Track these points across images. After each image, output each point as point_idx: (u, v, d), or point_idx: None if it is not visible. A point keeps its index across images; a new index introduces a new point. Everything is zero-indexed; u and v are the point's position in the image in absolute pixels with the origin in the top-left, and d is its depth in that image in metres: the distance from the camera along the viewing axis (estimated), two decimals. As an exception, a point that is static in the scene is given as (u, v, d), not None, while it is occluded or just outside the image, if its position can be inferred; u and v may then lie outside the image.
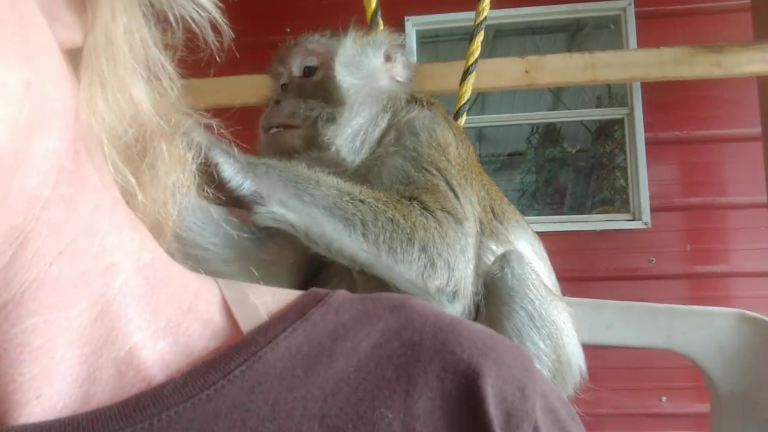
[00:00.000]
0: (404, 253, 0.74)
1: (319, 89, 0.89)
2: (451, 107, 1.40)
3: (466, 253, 0.80)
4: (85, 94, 0.33)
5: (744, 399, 1.23)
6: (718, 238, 2.93)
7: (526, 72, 1.72)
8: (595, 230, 3.02)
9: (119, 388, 0.33)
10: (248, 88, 1.49)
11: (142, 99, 0.36)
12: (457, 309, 0.80)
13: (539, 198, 4.53)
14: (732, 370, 1.24)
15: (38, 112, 0.29)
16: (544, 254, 0.97)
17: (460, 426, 0.33)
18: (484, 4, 1.44)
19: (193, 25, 0.37)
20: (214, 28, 0.38)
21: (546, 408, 0.35)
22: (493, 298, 0.82)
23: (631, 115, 3.05)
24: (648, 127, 2.99)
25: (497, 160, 4.64)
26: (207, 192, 0.43)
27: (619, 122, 3.30)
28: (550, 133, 4.45)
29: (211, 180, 0.70)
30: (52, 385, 0.32)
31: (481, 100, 3.97)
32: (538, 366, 0.79)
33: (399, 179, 0.83)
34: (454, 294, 0.77)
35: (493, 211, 0.91)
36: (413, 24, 3.11)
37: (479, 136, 4.54)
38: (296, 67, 0.92)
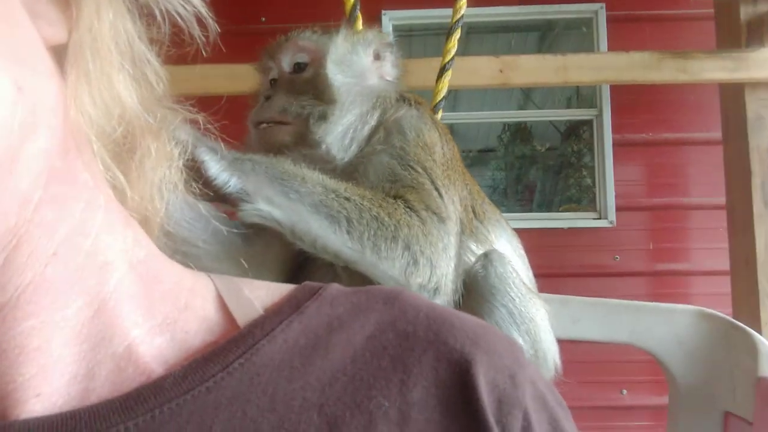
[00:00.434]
0: (388, 250, 0.75)
1: (309, 86, 0.89)
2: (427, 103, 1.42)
3: (448, 251, 0.81)
4: (71, 92, 0.33)
5: (701, 392, 1.29)
6: (679, 237, 3.03)
7: (501, 71, 1.74)
8: (562, 228, 3.09)
9: (119, 383, 0.34)
10: (224, 77, 1.47)
11: (128, 95, 0.36)
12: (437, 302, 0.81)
13: (509, 195, 4.59)
14: (690, 364, 1.29)
15: (30, 114, 0.29)
16: (522, 252, 0.99)
17: (454, 412, 0.34)
18: (461, 2, 1.45)
19: (179, 20, 0.36)
20: (199, 21, 0.38)
21: (535, 395, 0.36)
22: (475, 295, 0.84)
23: (599, 116, 3.12)
24: (615, 128, 3.07)
25: (468, 156, 4.68)
26: (194, 188, 0.42)
27: (588, 123, 3.37)
28: (521, 132, 4.51)
29: (198, 176, 0.70)
30: (51, 384, 0.32)
31: (454, 97, 4.00)
32: None
33: (385, 177, 0.84)
34: (435, 290, 0.79)
35: (474, 211, 0.92)
36: (390, 18, 3.12)
37: (451, 132, 4.57)
38: (286, 63, 0.92)
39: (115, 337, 0.34)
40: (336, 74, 0.88)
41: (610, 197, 3.04)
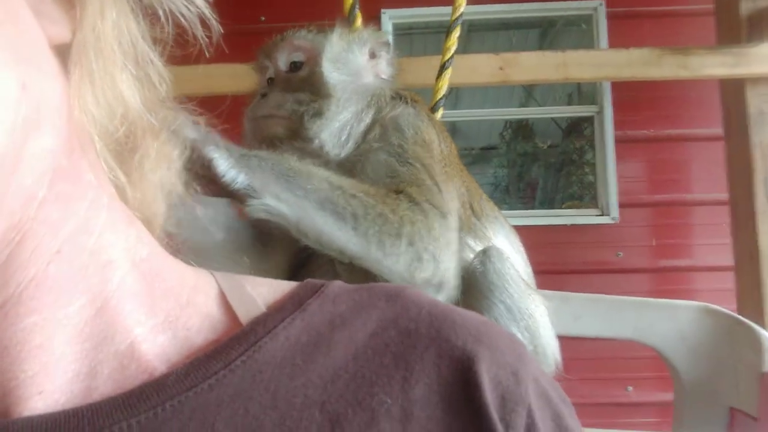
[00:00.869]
0: (392, 246, 0.76)
1: (305, 84, 0.90)
2: (427, 101, 1.42)
3: (451, 246, 0.81)
4: (75, 91, 0.33)
5: (706, 388, 1.29)
6: (682, 233, 3.03)
7: (501, 69, 1.74)
8: (564, 225, 3.09)
9: (121, 381, 0.34)
10: (223, 77, 1.47)
11: (131, 95, 0.36)
12: (440, 300, 0.81)
13: (511, 192, 4.59)
14: (694, 360, 1.29)
15: (34, 112, 0.29)
16: (521, 248, 0.99)
17: (457, 410, 0.34)
18: (460, 0, 1.45)
19: (183, 21, 0.36)
20: (202, 22, 0.38)
21: (538, 392, 0.36)
22: (473, 291, 0.84)
23: (600, 113, 3.12)
24: (617, 125, 3.06)
25: (470, 153, 4.68)
26: (195, 188, 0.42)
27: (589, 120, 3.37)
28: (523, 129, 4.51)
29: (205, 173, 0.71)
30: (54, 381, 0.33)
31: (455, 95, 4.00)
32: None
33: (384, 174, 0.84)
34: (440, 286, 0.79)
35: (471, 208, 0.92)
36: (389, 17, 3.12)
37: (453, 129, 4.58)
38: (282, 62, 0.93)
39: (117, 335, 0.34)
40: (331, 72, 0.89)
41: (612, 194, 3.03)
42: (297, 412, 0.33)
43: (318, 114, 0.87)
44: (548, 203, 4.26)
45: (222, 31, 0.40)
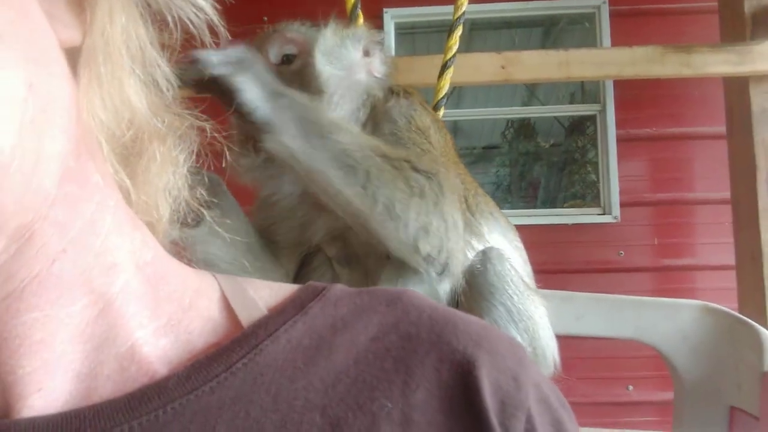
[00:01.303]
0: (401, 211, 0.74)
1: (297, 77, 0.88)
2: (429, 100, 1.42)
3: (458, 228, 0.80)
4: (83, 95, 0.33)
5: (706, 387, 1.28)
6: (684, 232, 3.02)
7: (503, 67, 1.73)
8: (566, 224, 3.09)
9: (121, 383, 0.34)
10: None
11: (138, 99, 0.36)
12: (445, 288, 0.80)
13: (513, 191, 4.58)
14: (695, 359, 1.28)
15: (43, 112, 0.29)
16: (519, 244, 0.98)
17: (458, 414, 0.34)
18: (462, 0, 1.45)
19: (191, 27, 0.37)
20: (210, 28, 0.38)
21: (538, 397, 0.36)
22: (473, 293, 0.83)
23: (603, 111, 3.11)
24: (619, 123, 3.05)
25: (472, 153, 4.68)
26: (201, 194, 0.42)
27: (592, 118, 3.36)
28: (525, 128, 4.50)
29: (229, 101, 0.71)
30: (53, 379, 0.33)
31: (458, 94, 3.99)
32: None
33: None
34: (445, 267, 0.77)
35: (466, 202, 0.91)
36: (392, 16, 3.12)
37: (455, 128, 4.58)
38: (274, 54, 0.91)
39: (118, 337, 0.34)
40: (324, 65, 0.87)
41: (614, 193, 3.03)
42: (298, 416, 0.33)
43: None
44: (550, 202, 4.26)
45: (229, 39, 0.41)
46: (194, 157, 0.41)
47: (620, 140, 3.04)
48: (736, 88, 1.93)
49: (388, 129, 0.87)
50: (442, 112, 1.42)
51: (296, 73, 0.89)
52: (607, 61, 1.80)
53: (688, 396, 1.31)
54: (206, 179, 0.50)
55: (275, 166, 0.80)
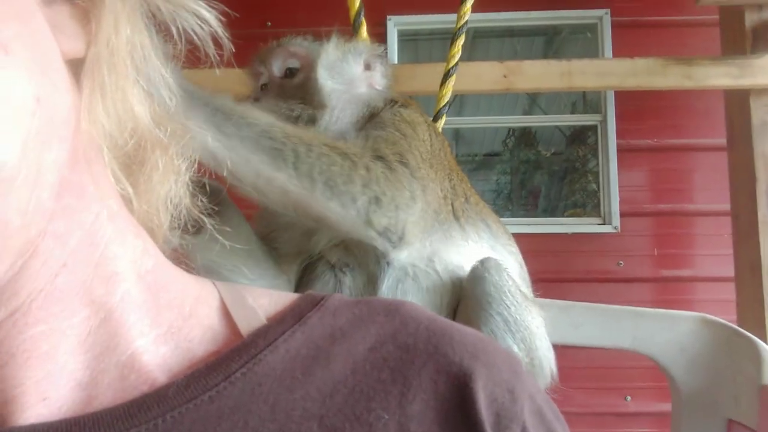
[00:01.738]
0: (345, 185, 0.69)
1: (299, 91, 0.89)
2: (431, 108, 1.42)
3: (417, 202, 0.75)
4: (86, 104, 0.33)
5: (704, 399, 1.28)
6: (684, 243, 3.02)
7: (505, 76, 1.75)
8: (566, 233, 3.08)
9: (121, 391, 0.34)
10: (228, 81, 1.48)
11: (141, 109, 0.36)
12: (401, 257, 0.77)
13: (514, 199, 4.59)
14: (693, 370, 1.28)
15: (46, 125, 0.30)
16: (514, 248, 0.97)
17: (453, 426, 0.34)
18: (465, 8, 1.46)
19: (195, 38, 0.37)
20: (214, 39, 0.39)
21: (533, 409, 0.36)
22: (470, 303, 0.83)
23: (604, 121, 3.12)
24: (620, 134, 3.06)
25: (473, 160, 4.69)
26: (202, 202, 0.43)
27: (593, 128, 3.37)
28: (526, 136, 4.51)
29: None
30: (57, 389, 0.33)
31: (459, 102, 4.00)
32: None
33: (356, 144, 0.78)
34: (401, 238, 0.73)
35: (452, 206, 0.89)
36: (395, 24, 3.13)
37: (456, 136, 4.59)
38: (277, 68, 0.92)
39: (119, 346, 0.35)
40: (326, 80, 0.88)
41: (614, 203, 3.03)
42: (295, 425, 0.33)
43: (311, 121, 0.86)
44: (551, 211, 4.26)
45: (233, 50, 0.41)
46: (196, 165, 0.41)
47: (621, 150, 3.05)
48: (737, 101, 1.94)
49: (372, 122, 0.86)
50: (443, 120, 1.43)
51: (299, 86, 0.90)
52: (608, 72, 1.81)
53: (686, 408, 1.30)
54: (208, 187, 0.50)
55: None
